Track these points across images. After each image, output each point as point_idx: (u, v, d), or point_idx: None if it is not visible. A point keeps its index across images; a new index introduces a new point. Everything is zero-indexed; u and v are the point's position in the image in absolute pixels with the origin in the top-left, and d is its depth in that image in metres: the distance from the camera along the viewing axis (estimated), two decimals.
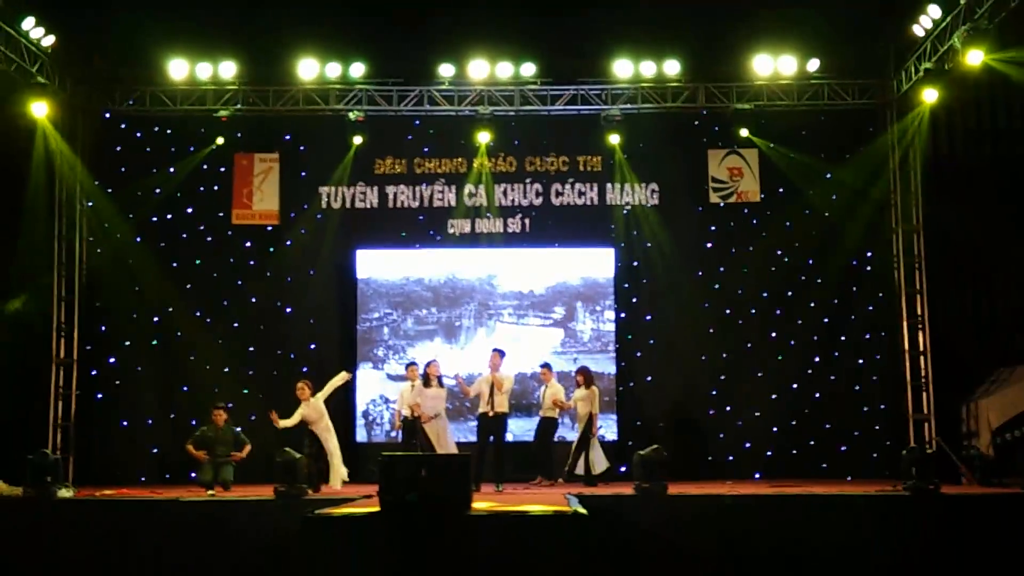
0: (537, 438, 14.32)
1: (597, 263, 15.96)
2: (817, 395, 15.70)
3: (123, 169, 15.94)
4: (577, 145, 16.13)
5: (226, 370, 15.61)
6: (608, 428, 15.23)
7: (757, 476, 15.15)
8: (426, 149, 16.26)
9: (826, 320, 15.83)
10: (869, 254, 15.91)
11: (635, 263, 16.10)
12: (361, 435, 15.62)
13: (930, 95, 14.24)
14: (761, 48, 15.13)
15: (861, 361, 15.80)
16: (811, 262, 15.87)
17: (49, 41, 13.89)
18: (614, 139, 15.64)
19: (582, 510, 8.80)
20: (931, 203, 15.37)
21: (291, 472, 11.08)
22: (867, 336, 15.84)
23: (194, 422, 14.75)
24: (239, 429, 13.82)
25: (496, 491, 12.62)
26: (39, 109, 14.13)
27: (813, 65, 15.20)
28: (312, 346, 15.87)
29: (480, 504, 9.12)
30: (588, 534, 8.43)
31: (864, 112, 15.84)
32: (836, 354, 15.82)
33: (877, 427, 15.58)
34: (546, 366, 14.48)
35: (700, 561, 10.35)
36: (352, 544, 8.25)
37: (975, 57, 12.86)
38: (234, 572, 10.37)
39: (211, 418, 13.50)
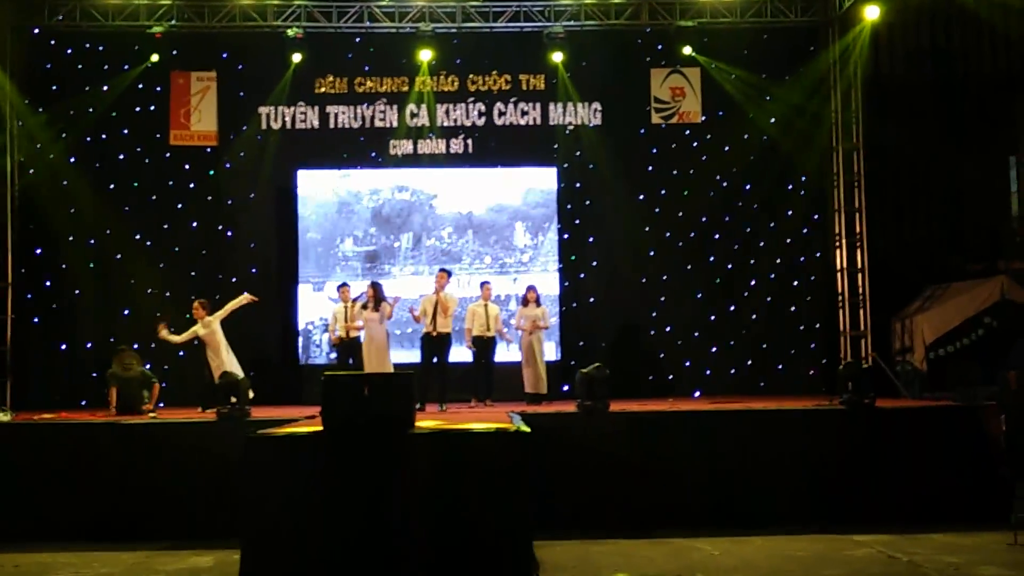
0: (478, 357, 14.12)
1: (540, 183, 15.91)
2: (754, 316, 15.96)
3: (55, 88, 15.56)
4: (520, 63, 15.98)
5: (167, 294, 15.43)
6: (551, 348, 15.30)
7: (697, 394, 15.38)
8: (367, 68, 16.01)
9: (762, 243, 16.04)
10: (804, 178, 16.05)
11: (578, 184, 16.10)
12: (301, 357, 15.56)
13: (871, 12, 14.27)
14: None
15: (796, 282, 16.04)
16: (748, 187, 16.01)
17: None
18: (557, 57, 15.49)
19: (525, 427, 8.87)
20: (871, 121, 15.48)
21: (233, 393, 11.03)
22: (802, 258, 16.08)
23: (136, 346, 14.62)
24: (148, 365, 13.68)
25: (440, 411, 12.69)
26: None
27: None
28: (253, 269, 15.74)
29: (423, 423, 9.16)
30: (531, 451, 8.51)
31: (806, 29, 15.87)
32: (772, 276, 16.03)
33: (813, 345, 15.89)
34: (486, 284, 14.42)
35: (641, 476, 10.52)
36: (296, 463, 8.26)
37: None
38: (178, 494, 10.37)
39: (118, 360, 13.18)
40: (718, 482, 10.56)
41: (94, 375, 15.04)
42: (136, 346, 14.31)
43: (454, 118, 16.04)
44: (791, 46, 15.91)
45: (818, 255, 16.00)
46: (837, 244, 15.70)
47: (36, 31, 15.38)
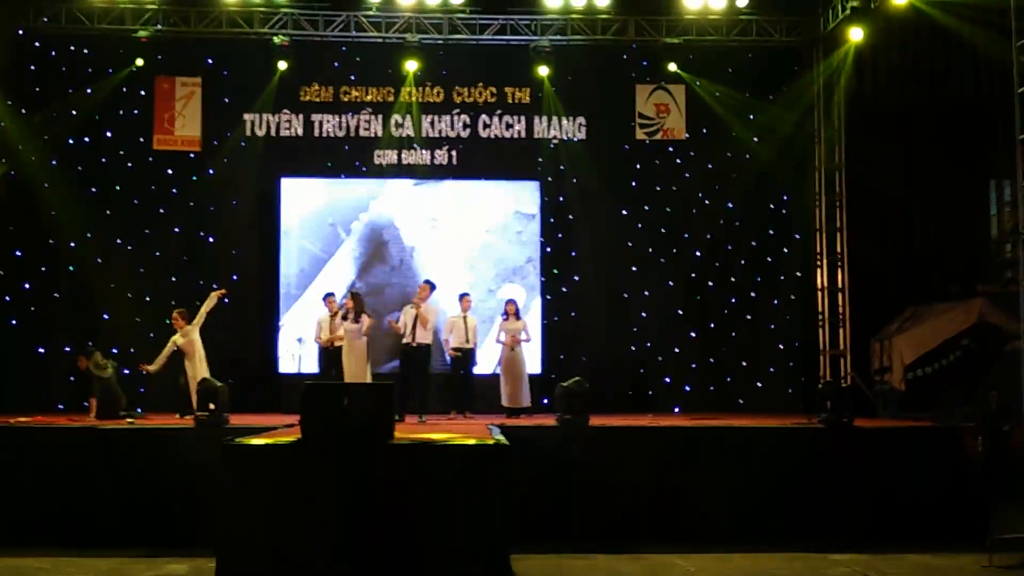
0: (456, 369, 14.04)
1: (523, 196, 15.91)
2: (734, 334, 16.00)
3: (38, 89, 15.48)
4: (505, 76, 16.01)
5: (147, 299, 15.36)
6: (532, 361, 15.27)
7: (676, 410, 15.39)
8: (353, 77, 16.01)
9: (743, 262, 16.10)
10: (786, 197, 16.13)
11: (561, 198, 16.12)
12: (282, 366, 15.46)
13: (856, 34, 14.35)
14: None
15: (776, 301, 16.09)
16: (730, 206, 16.07)
17: None
18: (543, 71, 15.52)
19: (504, 441, 8.87)
20: (854, 141, 15.56)
21: (212, 400, 10.98)
22: (782, 277, 16.14)
23: (115, 350, 14.55)
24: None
25: (419, 422, 12.66)
26: None
27: (743, 0, 15.17)
28: (235, 277, 15.64)
29: (402, 434, 9.14)
30: (509, 464, 8.50)
31: (791, 49, 15.96)
32: (752, 294, 16.09)
33: (791, 364, 15.94)
34: (465, 296, 14.42)
35: (619, 491, 10.53)
36: (273, 472, 8.23)
37: None
38: (155, 501, 10.31)
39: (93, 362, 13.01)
40: (696, 498, 10.58)
41: (71, 379, 14.93)
42: (115, 351, 14.29)
43: (439, 129, 16.04)
44: (776, 65, 16.00)
45: (798, 274, 16.06)
46: (818, 263, 15.77)
47: (20, 32, 15.29)
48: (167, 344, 12.81)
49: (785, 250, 16.16)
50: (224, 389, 11.23)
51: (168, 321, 13.15)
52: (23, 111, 15.25)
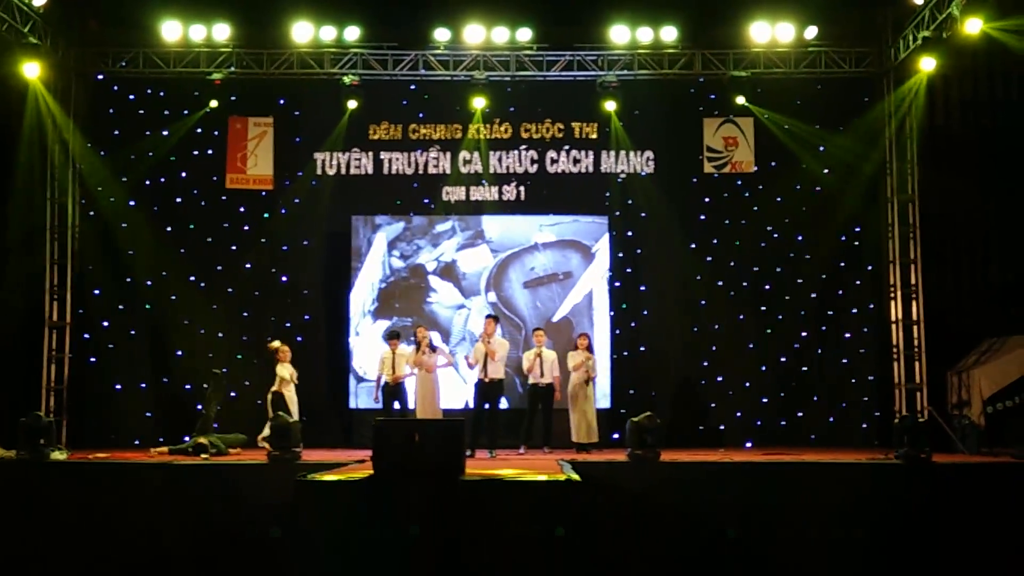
0: (533, 404, 14.07)
1: (591, 231, 15.89)
2: (805, 368, 15.81)
3: (116, 132, 15.83)
4: (573, 112, 16.05)
5: (220, 335, 15.61)
6: (602, 395, 15.21)
7: (748, 445, 15.21)
8: (421, 115, 16.16)
9: (813, 295, 15.89)
10: (858, 229, 15.92)
11: (629, 232, 16.07)
12: (353, 401, 15.56)
13: (928, 64, 14.16)
14: (759, 15, 15.02)
15: (848, 334, 15.86)
16: (800, 238, 15.90)
17: (41, 1, 13.72)
18: (610, 106, 15.55)
19: (575, 476, 8.84)
20: (927, 172, 15.36)
21: (285, 436, 11.10)
22: (854, 310, 15.90)
23: (188, 387, 14.82)
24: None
25: (490, 457, 12.67)
26: (31, 70, 14.01)
27: (811, 32, 15.09)
28: (307, 317, 15.84)
29: (473, 470, 9.14)
30: (581, 500, 8.46)
31: (861, 81, 15.80)
32: (824, 328, 15.89)
33: (865, 398, 15.68)
34: (538, 330, 14.42)
35: (692, 527, 10.40)
36: (345, 508, 8.28)
37: (974, 26, 12.83)
38: (228, 535, 10.40)
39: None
40: (770, 536, 10.41)
41: (148, 415, 15.24)
42: (188, 387, 14.55)
43: (507, 165, 16.12)
44: (845, 97, 15.85)
45: (871, 307, 15.83)
46: (892, 295, 15.54)
47: (100, 77, 15.72)
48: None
49: (857, 282, 15.95)
50: (297, 425, 11.35)
51: (239, 356, 13.42)
52: (102, 153, 15.64)
